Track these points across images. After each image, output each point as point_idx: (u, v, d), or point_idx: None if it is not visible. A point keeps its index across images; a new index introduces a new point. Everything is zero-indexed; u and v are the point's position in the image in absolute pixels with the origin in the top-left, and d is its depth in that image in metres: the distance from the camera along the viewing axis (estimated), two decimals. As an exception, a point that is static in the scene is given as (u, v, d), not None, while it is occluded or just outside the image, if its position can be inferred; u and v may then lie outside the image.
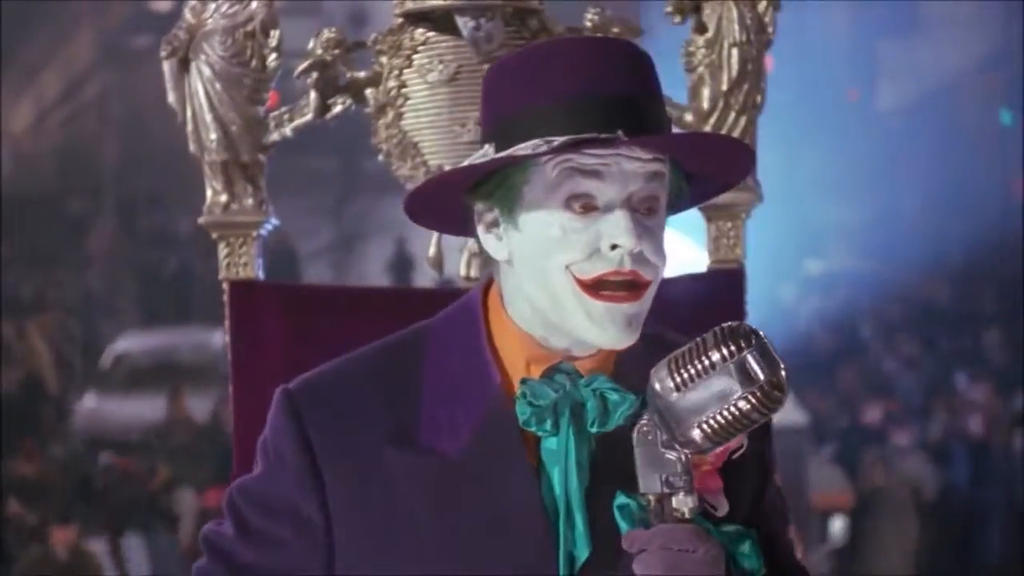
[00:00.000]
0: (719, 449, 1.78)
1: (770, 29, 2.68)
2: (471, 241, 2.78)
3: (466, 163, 1.89)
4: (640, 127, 1.81)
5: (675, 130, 2.10)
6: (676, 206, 1.91)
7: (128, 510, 10.01)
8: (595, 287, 1.83)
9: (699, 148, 1.91)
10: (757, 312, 2.62)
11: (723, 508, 1.81)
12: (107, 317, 15.30)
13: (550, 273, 1.84)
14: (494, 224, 1.89)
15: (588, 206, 1.82)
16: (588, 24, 2.74)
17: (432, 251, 2.79)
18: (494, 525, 1.86)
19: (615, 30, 2.72)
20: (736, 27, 2.67)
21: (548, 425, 1.86)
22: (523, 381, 1.87)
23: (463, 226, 1.95)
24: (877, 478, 10.37)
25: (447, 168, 2.77)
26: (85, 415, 12.42)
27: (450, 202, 1.92)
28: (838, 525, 10.19)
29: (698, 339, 1.74)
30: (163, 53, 2.71)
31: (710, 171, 1.91)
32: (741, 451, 1.82)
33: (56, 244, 15.71)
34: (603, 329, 1.83)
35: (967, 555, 10.40)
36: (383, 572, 1.88)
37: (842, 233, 16.78)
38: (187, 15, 2.72)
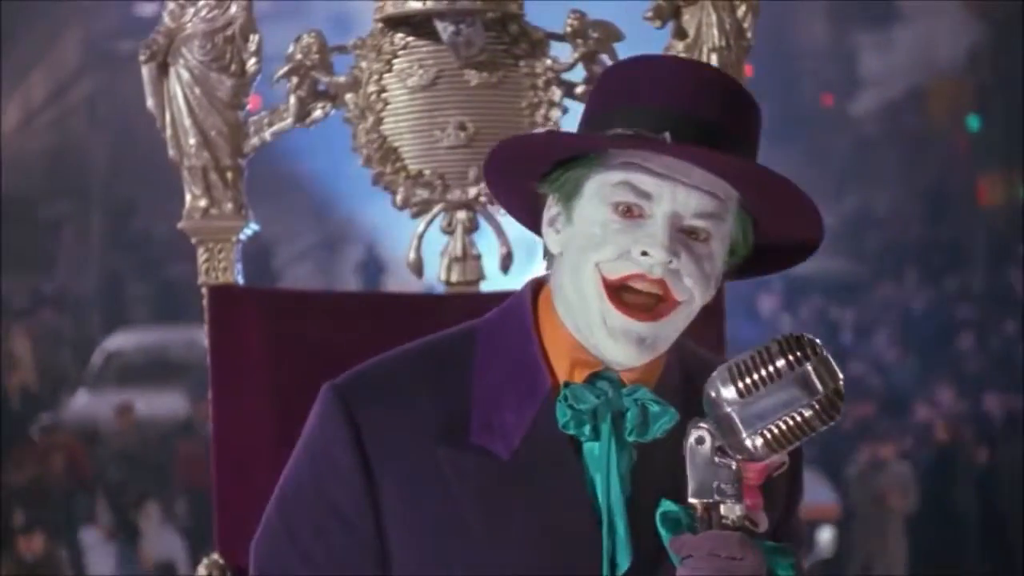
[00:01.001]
0: (770, 460, 1.78)
1: (749, 35, 2.69)
2: (451, 245, 2.79)
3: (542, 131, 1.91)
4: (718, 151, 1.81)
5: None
6: (743, 263, 1.90)
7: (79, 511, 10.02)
8: (619, 290, 1.83)
9: (760, 187, 1.87)
10: (735, 318, 2.62)
11: (763, 525, 1.81)
12: (96, 317, 15.32)
13: (583, 269, 1.85)
14: (556, 218, 1.90)
15: (634, 212, 1.83)
16: (568, 28, 2.73)
17: (412, 255, 2.78)
18: (544, 527, 1.86)
19: (595, 34, 2.72)
20: (715, 32, 2.67)
21: (587, 430, 1.86)
22: (566, 384, 1.87)
23: (529, 215, 1.96)
24: (858, 484, 10.36)
25: (427, 173, 2.77)
26: (77, 412, 12.47)
27: (522, 186, 1.93)
28: (826, 536, 10.15)
29: (760, 348, 1.75)
30: (142, 57, 2.69)
31: (776, 223, 1.89)
32: (782, 469, 1.83)
33: (43, 246, 15.70)
34: (616, 341, 1.84)
35: (944, 561, 10.39)
36: (434, 572, 1.87)
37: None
38: (166, 19, 2.71)
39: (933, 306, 14.92)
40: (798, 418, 1.74)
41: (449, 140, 2.74)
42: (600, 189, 1.85)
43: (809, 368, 1.73)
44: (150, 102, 2.72)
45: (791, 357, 1.73)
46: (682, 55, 2.68)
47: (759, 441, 1.75)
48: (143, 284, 16.29)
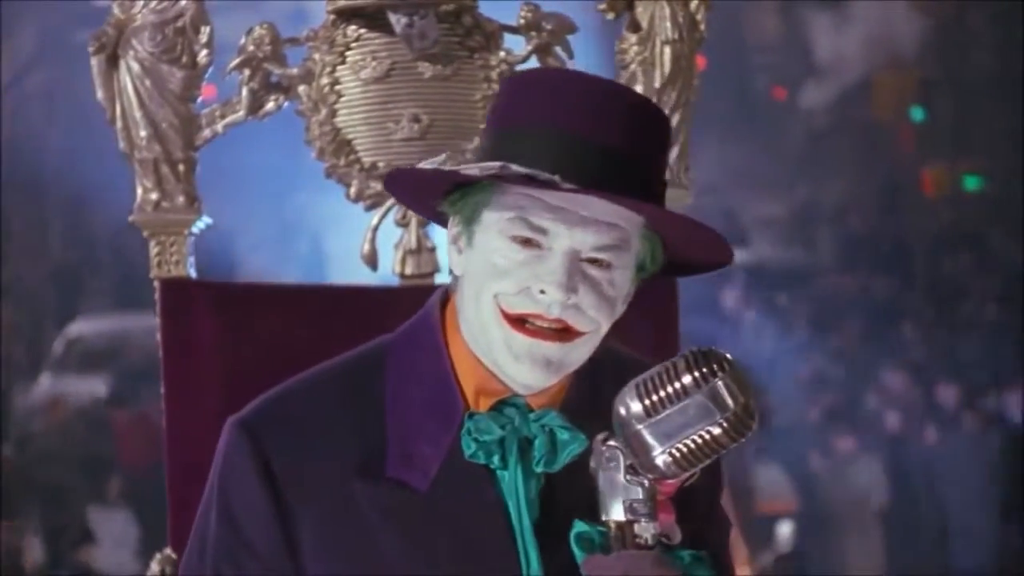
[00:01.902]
0: (684, 476, 1.75)
1: (702, 27, 2.69)
2: (406, 238, 2.78)
3: (429, 165, 1.87)
4: (613, 184, 1.76)
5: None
6: (651, 272, 1.86)
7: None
8: (519, 321, 1.80)
9: (666, 223, 1.84)
10: (693, 312, 2.61)
11: (676, 538, 1.78)
12: (55, 306, 15.26)
13: (483, 298, 1.81)
14: (458, 237, 1.87)
15: (533, 244, 1.79)
16: (522, 21, 2.73)
17: (366, 248, 2.77)
18: (463, 557, 1.83)
19: (548, 27, 2.72)
20: (668, 25, 2.67)
21: (496, 460, 1.83)
22: (470, 415, 1.84)
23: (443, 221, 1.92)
24: (824, 478, 10.40)
25: (381, 166, 2.76)
26: (39, 397, 12.45)
27: (428, 202, 1.89)
28: (785, 530, 10.18)
29: (668, 363, 1.71)
30: (91, 48, 2.67)
31: (687, 247, 1.86)
32: (692, 479, 1.79)
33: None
34: (520, 363, 1.80)
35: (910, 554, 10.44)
36: None
37: (767, 227, 16.94)
38: (115, 10, 2.68)
39: (882, 295, 14.99)
40: (707, 436, 1.69)
41: (403, 132, 2.73)
42: (498, 221, 1.81)
43: (719, 384, 1.69)
44: (100, 94, 2.70)
45: (697, 373, 1.69)
46: (631, 47, 2.69)
47: (668, 459, 1.71)
48: (99, 275, 16.21)
